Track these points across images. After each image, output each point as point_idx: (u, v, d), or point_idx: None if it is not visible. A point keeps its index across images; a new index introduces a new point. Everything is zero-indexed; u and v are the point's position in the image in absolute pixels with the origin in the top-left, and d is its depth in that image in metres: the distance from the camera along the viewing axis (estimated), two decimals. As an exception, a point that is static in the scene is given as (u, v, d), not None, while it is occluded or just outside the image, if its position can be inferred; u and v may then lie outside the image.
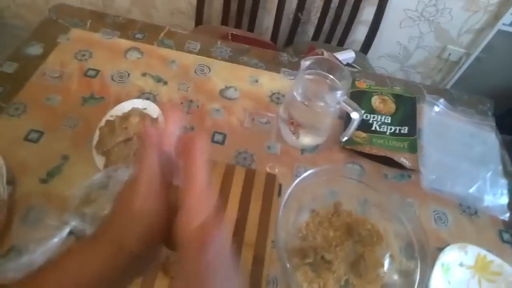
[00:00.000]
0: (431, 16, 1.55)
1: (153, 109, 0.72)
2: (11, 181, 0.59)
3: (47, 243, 0.50)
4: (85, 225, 0.52)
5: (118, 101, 0.74)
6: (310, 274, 0.56)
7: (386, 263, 0.58)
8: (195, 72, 0.86)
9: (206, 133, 0.74)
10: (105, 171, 0.59)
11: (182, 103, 0.79)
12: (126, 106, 0.71)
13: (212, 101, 0.81)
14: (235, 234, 0.60)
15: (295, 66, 0.92)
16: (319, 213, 0.62)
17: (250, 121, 0.79)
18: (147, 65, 0.85)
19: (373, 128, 0.79)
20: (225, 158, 0.71)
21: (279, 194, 0.67)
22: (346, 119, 0.80)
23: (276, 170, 0.71)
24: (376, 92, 0.86)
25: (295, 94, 0.68)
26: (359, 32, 1.64)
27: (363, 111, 0.81)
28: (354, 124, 0.68)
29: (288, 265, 0.52)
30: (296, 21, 1.55)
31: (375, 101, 0.85)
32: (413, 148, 0.77)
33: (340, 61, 1.26)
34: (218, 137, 0.74)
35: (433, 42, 1.65)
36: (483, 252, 0.61)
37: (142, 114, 0.69)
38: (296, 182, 0.57)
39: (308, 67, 0.69)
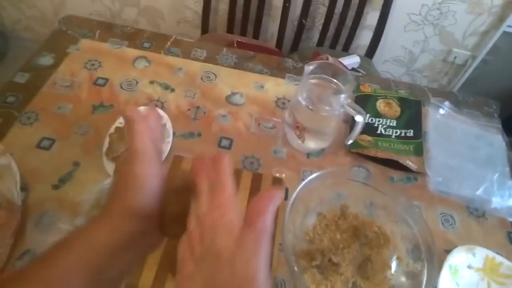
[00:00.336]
0: (435, 19, 1.55)
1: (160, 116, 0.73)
2: (24, 187, 0.61)
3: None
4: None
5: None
6: (317, 276, 0.56)
7: (393, 265, 0.58)
8: (202, 79, 0.87)
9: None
10: (115, 177, 0.61)
11: (189, 109, 0.80)
12: (134, 113, 0.73)
13: (218, 107, 0.82)
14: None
15: (299, 72, 0.93)
16: (326, 216, 0.63)
17: (256, 126, 0.80)
18: (154, 73, 0.86)
19: (378, 132, 0.80)
20: (232, 163, 0.71)
21: (286, 197, 0.67)
22: (351, 123, 0.81)
23: (283, 174, 0.72)
24: (381, 95, 0.87)
25: (299, 98, 0.69)
26: (364, 37, 1.65)
27: (368, 115, 0.82)
28: (359, 127, 0.69)
29: (295, 268, 0.52)
30: (301, 28, 1.57)
31: (380, 104, 0.85)
32: (419, 151, 0.77)
33: (345, 66, 1.27)
34: (225, 142, 0.75)
35: (438, 45, 1.65)
36: (492, 254, 0.61)
37: (150, 121, 0.70)
38: (302, 184, 0.58)
39: (312, 72, 0.70)
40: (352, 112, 0.67)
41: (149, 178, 0.32)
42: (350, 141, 0.74)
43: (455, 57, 1.66)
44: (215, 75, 0.89)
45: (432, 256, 0.56)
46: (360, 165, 0.76)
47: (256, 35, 1.60)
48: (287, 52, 1.66)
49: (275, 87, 0.89)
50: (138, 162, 0.32)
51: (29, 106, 0.75)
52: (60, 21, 0.97)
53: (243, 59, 0.95)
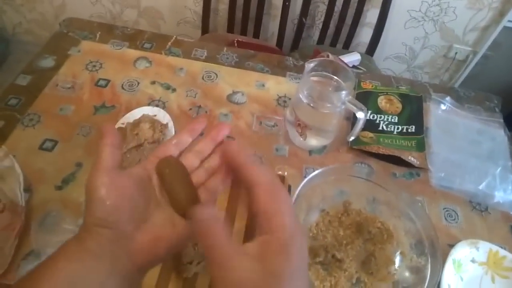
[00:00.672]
0: (435, 15, 1.55)
1: (162, 116, 0.73)
2: (27, 189, 0.61)
3: (64, 247, 0.51)
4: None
5: (129, 109, 0.76)
6: (321, 272, 0.56)
7: (397, 260, 0.58)
8: (203, 78, 0.87)
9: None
10: (118, 177, 0.61)
11: (191, 109, 0.80)
12: (136, 114, 0.73)
13: (220, 106, 0.82)
14: (246, 236, 0.61)
15: (300, 70, 0.93)
16: (328, 213, 0.63)
17: (258, 124, 0.80)
18: (156, 73, 0.87)
19: (380, 128, 0.80)
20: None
21: (289, 195, 0.67)
22: (352, 119, 0.81)
23: (285, 172, 0.72)
24: (382, 92, 0.87)
25: (300, 96, 0.69)
26: (364, 35, 1.65)
27: (369, 112, 0.82)
28: (360, 123, 0.69)
29: (299, 264, 0.52)
30: (301, 26, 1.57)
31: (381, 101, 0.85)
32: (421, 147, 0.77)
33: (346, 63, 1.27)
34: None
35: (438, 41, 1.65)
36: (495, 248, 0.61)
37: (152, 121, 0.70)
38: (304, 181, 0.58)
39: (313, 69, 0.70)
40: (353, 108, 0.67)
41: (98, 188, 0.31)
42: (352, 138, 0.74)
43: (456, 53, 1.66)
44: (216, 74, 0.89)
45: (436, 250, 0.56)
46: (362, 162, 0.76)
47: (256, 35, 1.61)
48: (288, 50, 1.67)
49: (276, 85, 0.89)
50: (91, 173, 0.32)
51: (31, 108, 0.75)
52: (61, 23, 0.97)
53: (243, 58, 0.95)
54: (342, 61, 1.23)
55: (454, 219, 0.69)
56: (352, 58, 1.32)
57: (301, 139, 0.74)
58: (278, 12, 1.56)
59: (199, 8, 1.66)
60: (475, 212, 0.70)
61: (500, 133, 0.85)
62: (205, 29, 1.60)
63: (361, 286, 0.56)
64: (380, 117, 0.82)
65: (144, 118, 0.71)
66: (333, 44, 1.59)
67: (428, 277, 0.54)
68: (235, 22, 1.59)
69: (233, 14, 1.56)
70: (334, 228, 0.61)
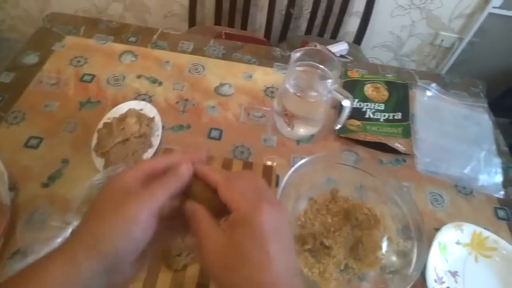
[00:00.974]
0: (422, 3, 1.56)
1: (149, 110, 0.73)
2: (13, 187, 0.61)
3: (51, 243, 0.51)
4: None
5: (115, 103, 0.75)
6: (310, 260, 0.57)
7: (384, 245, 0.59)
8: (190, 71, 0.87)
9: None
10: (105, 171, 0.61)
11: (178, 102, 0.80)
12: (122, 108, 0.73)
13: (207, 98, 0.82)
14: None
15: (287, 60, 0.92)
16: (316, 201, 0.64)
17: (246, 116, 0.80)
18: (142, 67, 0.86)
19: (366, 116, 0.81)
20: (223, 153, 0.72)
21: (277, 184, 0.68)
22: (339, 108, 0.81)
23: (274, 162, 0.72)
24: (369, 80, 0.87)
25: (287, 86, 0.70)
26: (351, 24, 1.65)
27: (356, 100, 0.83)
28: (346, 112, 0.69)
29: (287, 252, 0.53)
30: (288, 17, 1.56)
31: (368, 89, 0.86)
32: (407, 133, 0.78)
33: (333, 53, 1.27)
34: (214, 133, 0.75)
35: (425, 29, 1.65)
36: (479, 229, 0.62)
37: (138, 115, 0.70)
38: (292, 170, 0.59)
39: (299, 59, 0.70)
40: (339, 97, 0.68)
41: (140, 221, 0.29)
42: (339, 126, 0.75)
43: (442, 40, 1.67)
44: (203, 67, 0.88)
45: (422, 234, 0.57)
46: (350, 149, 0.76)
47: (244, 26, 1.60)
48: (276, 41, 1.66)
49: (264, 76, 0.89)
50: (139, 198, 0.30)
51: (16, 106, 0.74)
52: (44, 18, 0.96)
53: (231, 49, 0.95)
54: (330, 51, 1.23)
55: (440, 203, 0.70)
56: (339, 47, 1.32)
57: (289, 129, 0.74)
58: (265, 3, 1.55)
59: (185, 0, 1.64)
60: (460, 195, 0.72)
61: (485, 117, 0.86)
62: (192, 21, 1.59)
63: (349, 272, 0.57)
64: (367, 105, 0.83)
65: (130, 112, 0.70)
66: (321, 34, 1.59)
67: (415, 260, 0.55)
68: (223, 14, 1.58)
69: (220, 6, 1.55)
70: (322, 215, 0.61)
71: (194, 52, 0.92)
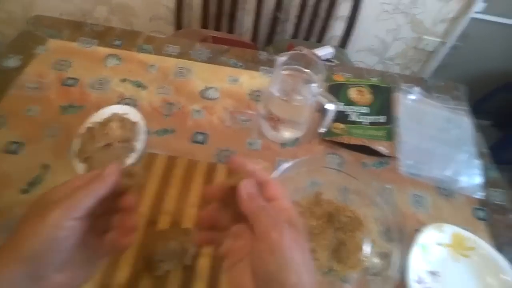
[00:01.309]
0: (406, 8, 1.58)
1: (133, 114, 0.73)
2: (-9, 194, 0.60)
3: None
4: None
5: (98, 108, 0.74)
6: (294, 263, 0.57)
7: (367, 247, 0.60)
8: (175, 75, 0.87)
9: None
10: (88, 177, 0.60)
11: (162, 106, 0.80)
12: (106, 112, 0.72)
13: (192, 102, 0.82)
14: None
15: (273, 64, 0.92)
16: (300, 204, 0.64)
17: (231, 119, 0.80)
18: (126, 71, 0.86)
19: (351, 119, 0.81)
20: (207, 157, 0.72)
21: (262, 188, 0.68)
22: (324, 111, 0.82)
23: (258, 166, 0.72)
24: (353, 84, 0.89)
25: (272, 90, 0.70)
26: (337, 28, 1.66)
27: (341, 104, 0.83)
28: (330, 115, 0.70)
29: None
30: (275, 21, 1.57)
31: (353, 93, 0.87)
32: (391, 136, 0.79)
33: (319, 57, 1.28)
34: (199, 137, 0.75)
35: (409, 33, 1.68)
36: (458, 230, 0.64)
37: (122, 119, 0.70)
38: (276, 174, 0.59)
39: (285, 63, 0.71)
40: (323, 101, 0.69)
41: (62, 228, 0.30)
42: (323, 129, 0.75)
43: (426, 44, 1.70)
44: (188, 70, 0.88)
45: (403, 236, 0.58)
46: (334, 153, 0.77)
47: (231, 30, 1.60)
48: (263, 45, 1.67)
49: (250, 80, 0.89)
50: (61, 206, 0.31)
51: (-4, 110, 0.73)
52: (28, 21, 0.94)
53: (216, 53, 0.95)
54: (316, 54, 1.24)
55: (422, 205, 0.71)
56: (325, 51, 1.34)
57: (274, 132, 0.75)
58: (252, 7, 1.56)
59: (172, 3, 1.64)
60: (442, 197, 0.73)
61: (466, 121, 0.88)
62: (178, 25, 1.59)
63: (332, 274, 0.58)
64: (351, 109, 0.83)
65: (113, 117, 0.70)
66: (307, 38, 1.60)
67: (396, 262, 0.55)
68: (209, 17, 1.58)
69: (207, 9, 1.55)
70: (305, 219, 0.62)
71: (179, 55, 0.92)
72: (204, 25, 1.59)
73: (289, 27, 1.70)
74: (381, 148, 0.76)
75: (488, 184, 0.76)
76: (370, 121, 0.82)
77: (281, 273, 0.29)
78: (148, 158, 0.69)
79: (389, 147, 0.77)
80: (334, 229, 0.61)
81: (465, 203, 0.72)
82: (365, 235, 0.61)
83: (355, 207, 0.63)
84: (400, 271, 0.54)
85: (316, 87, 0.68)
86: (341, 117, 0.81)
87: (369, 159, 0.77)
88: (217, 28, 1.59)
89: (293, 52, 0.72)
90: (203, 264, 0.57)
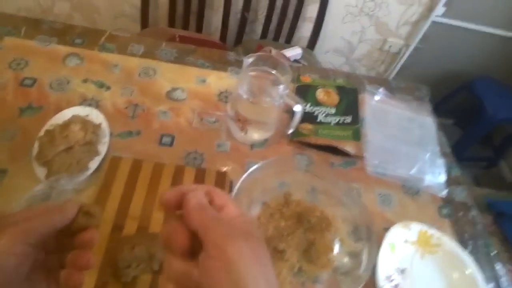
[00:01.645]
0: (371, 11, 1.62)
1: (95, 116, 0.70)
2: None
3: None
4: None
5: (59, 109, 0.71)
6: (264, 265, 0.57)
7: (336, 247, 0.61)
8: (140, 75, 0.84)
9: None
10: (47, 182, 0.57)
11: (126, 107, 0.77)
12: (66, 114, 0.69)
13: (158, 103, 0.80)
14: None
15: (242, 65, 0.92)
16: (270, 205, 0.64)
17: (199, 121, 0.79)
18: (88, 70, 0.82)
19: (318, 120, 0.82)
20: (174, 159, 0.70)
21: (231, 190, 0.67)
22: (292, 112, 0.82)
23: (227, 168, 0.72)
24: (320, 85, 0.90)
25: (240, 91, 0.69)
26: (305, 29, 1.68)
27: (308, 104, 0.84)
28: (297, 116, 0.70)
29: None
30: (244, 21, 1.57)
31: (320, 94, 0.88)
32: (357, 136, 0.81)
33: (288, 58, 1.29)
34: (166, 140, 0.73)
35: (374, 35, 1.73)
36: (424, 227, 0.66)
37: (83, 121, 0.67)
38: (244, 176, 0.59)
39: (252, 64, 0.71)
40: (290, 102, 0.69)
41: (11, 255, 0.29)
42: (291, 130, 0.75)
43: (390, 46, 1.76)
44: (154, 70, 0.86)
45: (371, 235, 0.59)
46: (302, 153, 0.77)
47: (199, 29, 1.58)
48: (231, 45, 1.66)
49: (218, 80, 0.88)
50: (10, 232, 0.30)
51: None
52: (-20, 18, 0.88)
53: (183, 53, 0.93)
54: (284, 55, 1.25)
55: (388, 204, 0.73)
56: (293, 52, 1.35)
57: (242, 133, 0.74)
58: (220, 5, 1.54)
59: (137, 0, 1.59)
60: (407, 195, 0.75)
61: (429, 120, 0.91)
62: (144, 23, 1.55)
63: (302, 275, 0.58)
64: (319, 109, 0.84)
65: (74, 118, 0.66)
66: (276, 38, 1.61)
67: (365, 260, 0.56)
68: (177, 15, 1.55)
69: (174, 7, 1.52)
70: (275, 220, 0.61)
71: (144, 55, 0.89)
72: (171, 24, 1.56)
73: (258, 28, 1.70)
74: (348, 148, 0.78)
75: (451, 181, 0.79)
76: (337, 121, 0.83)
77: None
78: (112, 162, 0.66)
79: (356, 147, 0.78)
80: (303, 230, 0.61)
81: (430, 201, 0.75)
82: (334, 235, 0.61)
83: (324, 207, 0.64)
84: (369, 270, 0.54)
85: (283, 89, 0.68)
86: (309, 117, 0.82)
87: (336, 159, 0.78)
88: (185, 27, 1.56)
89: (260, 53, 0.72)
90: (171, 270, 0.55)
